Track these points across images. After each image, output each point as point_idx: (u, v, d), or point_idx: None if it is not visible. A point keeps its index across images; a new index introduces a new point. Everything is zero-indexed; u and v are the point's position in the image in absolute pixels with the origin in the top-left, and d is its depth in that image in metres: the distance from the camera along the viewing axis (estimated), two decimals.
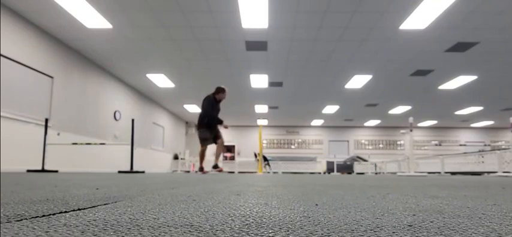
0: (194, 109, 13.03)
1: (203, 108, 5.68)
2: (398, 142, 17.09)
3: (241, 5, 5.11)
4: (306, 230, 0.30)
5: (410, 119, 7.07)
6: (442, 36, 6.20)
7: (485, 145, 12.60)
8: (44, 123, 6.08)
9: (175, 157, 14.37)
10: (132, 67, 8.33)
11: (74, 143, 5.56)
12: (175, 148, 14.66)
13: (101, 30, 6.20)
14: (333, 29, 5.99)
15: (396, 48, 6.84)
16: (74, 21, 5.76)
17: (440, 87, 9.54)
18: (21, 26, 5.65)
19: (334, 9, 5.31)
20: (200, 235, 0.28)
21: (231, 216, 0.37)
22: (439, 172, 7.54)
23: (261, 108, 12.92)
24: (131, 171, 5.46)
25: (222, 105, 12.56)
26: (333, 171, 14.25)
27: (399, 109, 12.79)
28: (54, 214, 0.37)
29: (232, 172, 10.38)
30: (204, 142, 5.73)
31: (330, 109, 12.85)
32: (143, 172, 5.71)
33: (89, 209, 0.42)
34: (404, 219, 0.35)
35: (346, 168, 14.46)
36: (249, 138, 16.99)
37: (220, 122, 5.76)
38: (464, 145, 7.23)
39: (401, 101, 11.56)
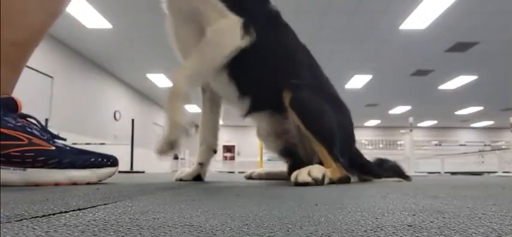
0: (194, 109, 13.04)
1: None
2: (398, 142, 17.09)
3: None
4: (306, 230, 0.30)
5: (410, 119, 7.06)
6: (442, 36, 6.20)
7: (485, 145, 12.61)
8: (44, 123, 6.08)
9: (175, 157, 14.37)
10: (132, 67, 8.33)
11: (73, 144, 5.57)
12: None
13: (101, 30, 6.20)
14: (333, 29, 5.99)
15: (396, 48, 6.84)
16: (74, 21, 5.76)
17: (440, 87, 9.54)
18: None
19: (334, 9, 5.31)
20: (200, 235, 0.28)
21: (231, 216, 0.37)
22: (439, 172, 7.55)
23: None
24: (131, 171, 5.46)
25: None
26: None
27: (399, 109, 12.79)
28: (54, 214, 0.37)
29: (232, 172, 10.40)
30: None
31: None
32: (143, 172, 5.71)
33: (89, 209, 0.42)
34: (404, 220, 0.35)
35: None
36: (249, 138, 16.99)
37: None
38: (464, 145, 7.24)
39: (401, 101, 11.56)
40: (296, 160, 1.32)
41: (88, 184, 0.97)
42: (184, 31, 1.12)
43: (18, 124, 0.88)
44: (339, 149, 1.14)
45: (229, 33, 1.02)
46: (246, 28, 1.03)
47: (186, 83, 1.00)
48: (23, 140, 0.86)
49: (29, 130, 0.90)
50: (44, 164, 0.89)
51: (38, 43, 0.95)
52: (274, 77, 1.18)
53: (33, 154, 0.87)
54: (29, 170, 0.87)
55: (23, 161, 0.86)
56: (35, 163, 0.88)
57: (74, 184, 0.94)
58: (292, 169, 1.26)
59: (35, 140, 0.89)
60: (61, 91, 6.77)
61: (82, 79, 7.56)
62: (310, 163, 1.15)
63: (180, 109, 1.00)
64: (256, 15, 1.13)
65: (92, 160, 1.00)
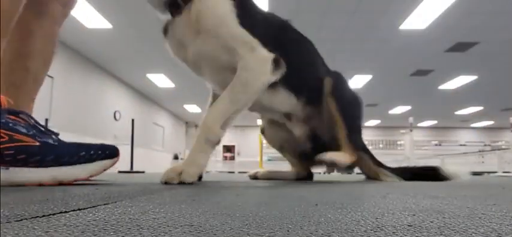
0: (194, 109, 13.03)
1: None
2: (398, 142, 17.08)
3: None
4: (306, 230, 0.30)
5: (410, 119, 7.07)
6: (442, 36, 6.20)
7: (485, 145, 12.61)
8: (44, 123, 6.08)
9: (175, 157, 14.37)
10: (132, 67, 8.33)
11: None
12: (175, 148, 14.66)
13: (101, 30, 6.20)
14: (333, 29, 5.99)
15: (396, 48, 6.84)
16: (74, 21, 5.76)
17: (440, 87, 9.54)
18: None
19: (334, 9, 5.31)
20: (200, 235, 0.28)
21: (231, 216, 0.37)
22: None
23: None
24: (131, 171, 5.46)
25: None
26: (333, 171, 14.21)
27: (399, 109, 12.79)
28: (54, 214, 0.37)
29: (232, 172, 10.41)
30: None
31: None
32: (143, 172, 5.71)
33: (89, 209, 0.42)
34: (404, 220, 0.35)
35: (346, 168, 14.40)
36: (249, 138, 16.99)
37: None
38: (464, 145, 7.24)
39: (401, 101, 11.56)
40: (318, 144, 1.41)
41: (76, 181, 0.92)
42: (214, 64, 1.11)
43: (2, 120, 0.85)
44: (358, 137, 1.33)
45: (260, 71, 1.04)
46: (276, 61, 1.06)
47: (220, 127, 1.03)
48: (3, 137, 0.83)
49: (11, 126, 0.86)
50: (26, 163, 0.86)
51: (7, 30, 0.88)
52: (310, 73, 1.33)
53: (13, 151, 0.84)
54: (12, 169, 0.84)
55: (2, 159, 0.83)
56: (16, 162, 0.84)
57: (60, 183, 0.89)
58: (313, 151, 1.38)
59: (16, 136, 0.85)
60: (61, 91, 6.77)
61: (82, 79, 7.56)
62: (330, 147, 1.32)
63: (208, 154, 1.04)
64: (280, 33, 1.24)
65: (82, 154, 0.94)
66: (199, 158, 1.02)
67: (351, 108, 1.33)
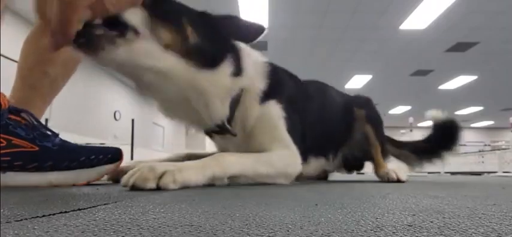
0: None
1: None
2: None
3: (241, 5, 5.11)
4: (306, 230, 0.30)
5: (410, 119, 7.06)
6: (442, 36, 6.20)
7: (485, 145, 12.61)
8: (44, 123, 6.07)
9: None
10: None
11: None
12: (175, 148, 14.66)
13: None
14: (333, 29, 5.99)
15: (396, 48, 6.84)
16: None
17: (440, 87, 9.54)
18: (21, 26, 5.66)
19: (334, 9, 5.31)
20: (200, 235, 0.28)
21: (231, 216, 0.37)
22: (439, 172, 7.55)
23: None
24: None
25: None
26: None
27: (399, 109, 12.78)
28: (54, 214, 0.37)
29: None
30: None
31: None
32: None
33: (89, 209, 0.42)
34: (404, 220, 0.35)
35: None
36: None
37: None
38: (465, 145, 7.23)
39: (401, 101, 11.55)
40: (350, 159, 1.63)
41: (74, 186, 0.90)
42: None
43: (2, 122, 0.82)
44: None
45: (290, 165, 1.09)
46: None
47: (229, 172, 0.94)
48: (2, 142, 0.80)
49: (11, 129, 0.83)
50: (23, 168, 0.83)
51: None
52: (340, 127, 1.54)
53: (9, 157, 0.81)
54: (8, 173, 0.82)
55: None
56: (12, 168, 0.82)
57: (56, 186, 0.86)
58: (344, 165, 1.66)
59: (15, 141, 0.82)
60: (61, 91, 6.77)
61: (82, 79, 7.55)
62: (361, 159, 1.65)
63: (203, 179, 0.87)
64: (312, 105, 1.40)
65: (82, 159, 0.91)
66: (194, 174, 0.83)
67: (381, 130, 1.63)
